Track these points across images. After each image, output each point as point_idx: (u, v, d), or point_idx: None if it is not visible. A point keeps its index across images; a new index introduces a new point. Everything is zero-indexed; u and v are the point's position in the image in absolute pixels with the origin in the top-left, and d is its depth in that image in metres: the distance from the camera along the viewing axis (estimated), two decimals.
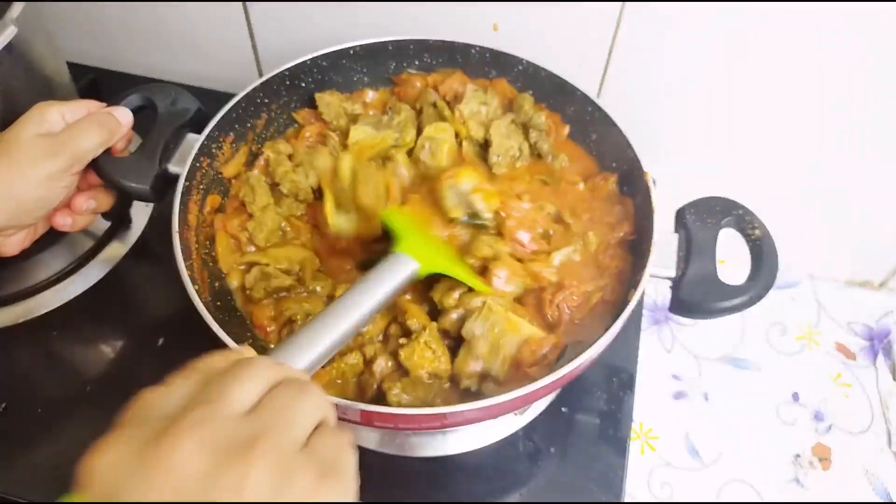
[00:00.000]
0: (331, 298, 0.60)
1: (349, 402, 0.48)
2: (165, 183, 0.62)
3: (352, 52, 0.71)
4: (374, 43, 0.72)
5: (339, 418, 0.51)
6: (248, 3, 0.83)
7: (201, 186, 0.64)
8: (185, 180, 0.60)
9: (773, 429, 0.76)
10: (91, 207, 0.62)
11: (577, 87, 0.68)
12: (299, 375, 0.37)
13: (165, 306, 0.73)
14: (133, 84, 0.65)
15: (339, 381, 0.56)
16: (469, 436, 0.65)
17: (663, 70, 0.74)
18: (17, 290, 0.72)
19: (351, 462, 0.35)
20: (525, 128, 0.70)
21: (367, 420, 0.51)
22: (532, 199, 0.64)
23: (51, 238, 0.65)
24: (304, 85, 0.71)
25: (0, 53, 0.60)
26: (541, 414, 0.67)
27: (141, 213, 0.79)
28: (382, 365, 0.56)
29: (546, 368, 0.56)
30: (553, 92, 0.70)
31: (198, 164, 0.62)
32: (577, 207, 0.64)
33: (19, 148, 0.55)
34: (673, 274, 0.57)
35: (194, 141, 0.62)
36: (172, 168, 0.62)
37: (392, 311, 0.59)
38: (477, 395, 0.55)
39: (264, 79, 0.68)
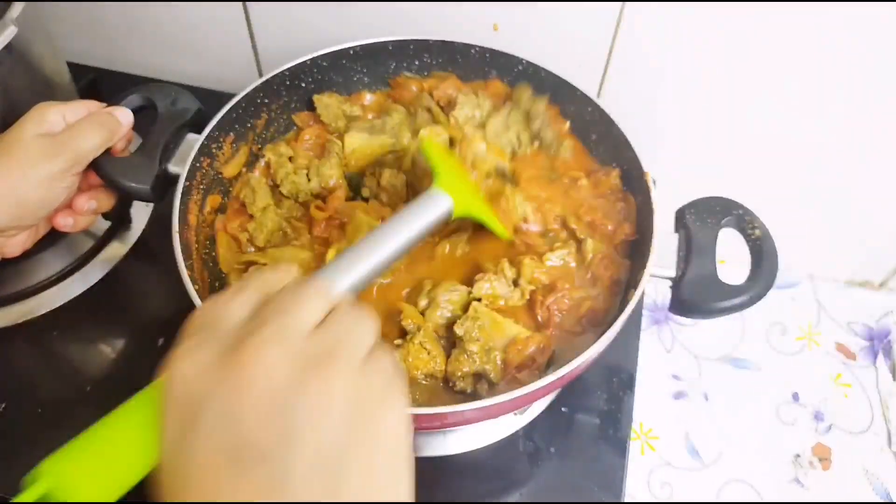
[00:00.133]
0: None
1: None
2: (165, 183, 0.62)
3: (352, 52, 0.71)
4: (374, 43, 0.72)
5: None
6: (248, 3, 0.83)
7: (201, 186, 0.64)
8: (185, 180, 0.60)
9: (773, 429, 0.76)
10: (92, 208, 0.62)
11: (577, 87, 0.68)
12: (350, 301, 0.38)
13: (165, 306, 0.73)
14: (133, 84, 0.65)
15: None
16: (469, 436, 0.65)
17: (663, 70, 0.74)
18: (17, 290, 0.72)
19: (403, 376, 0.36)
20: (527, 117, 0.69)
21: None
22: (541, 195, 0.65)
23: (51, 238, 0.65)
24: (304, 85, 0.72)
25: (0, 53, 0.60)
26: (541, 414, 0.67)
27: (141, 213, 0.79)
28: None
29: (535, 373, 0.56)
30: (553, 92, 0.70)
31: (198, 164, 0.62)
32: (579, 209, 0.64)
33: (20, 148, 0.55)
34: (673, 274, 0.57)
35: (194, 141, 0.62)
36: (172, 168, 0.62)
37: (386, 311, 0.59)
38: (472, 396, 0.55)
39: (264, 79, 0.68)
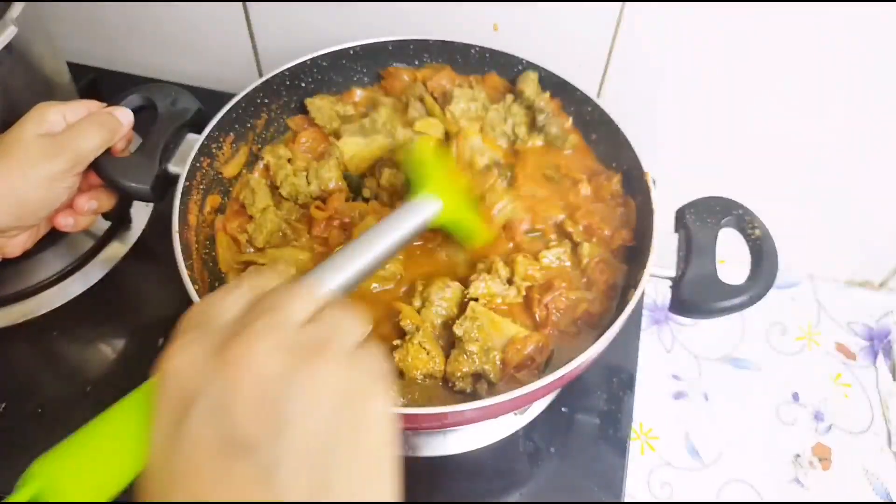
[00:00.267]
0: None
1: None
2: (165, 183, 0.62)
3: (352, 52, 0.71)
4: (374, 43, 0.72)
5: None
6: (248, 3, 0.83)
7: (201, 186, 0.64)
8: (185, 180, 0.60)
9: (773, 429, 0.76)
10: (93, 208, 0.62)
11: (577, 87, 0.68)
12: (338, 299, 0.40)
13: (165, 306, 0.73)
14: (133, 84, 0.65)
15: None
16: (469, 436, 0.65)
17: (663, 70, 0.74)
18: (18, 290, 0.72)
19: (390, 374, 0.37)
20: (531, 111, 0.69)
21: None
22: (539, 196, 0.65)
23: (51, 238, 0.65)
24: (303, 85, 0.72)
25: (0, 53, 0.60)
26: (541, 414, 0.67)
27: (141, 213, 0.79)
28: None
29: (534, 373, 0.56)
30: (553, 92, 0.70)
31: (198, 164, 0.62)
32: (577, 213, 0.64)
33: (21, 149, 0.55)
34: (673, 274, 0.57)
35: (194, 141, 0.62)
36: (172, 168, 0.62)
37: (384, 311, 0.59)
38: (472, 396, 0.55)
39: (264, 79, 0.68)
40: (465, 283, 0.59)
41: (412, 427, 0.54)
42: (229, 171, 0.67)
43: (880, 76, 0.67)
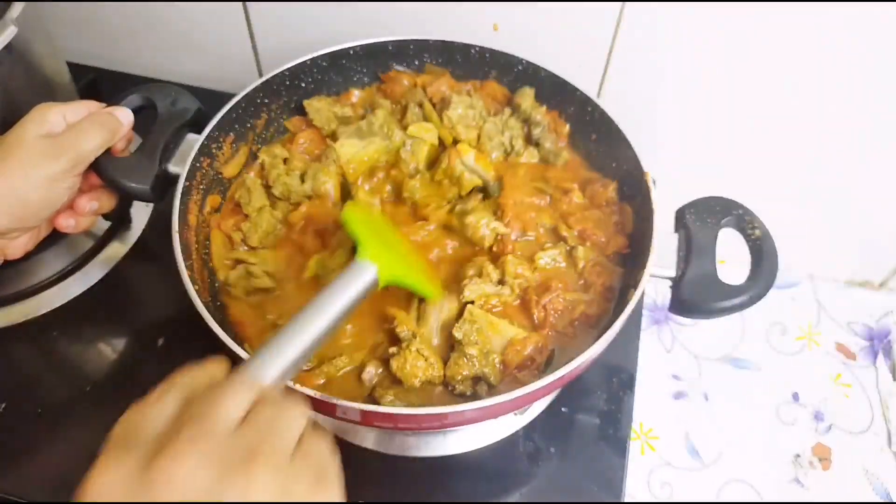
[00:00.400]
0: None
1: (349, 403, 0.48)
2: (165, 183, 0.62)
3: (352, 52, 0.71)
4: (374, 43, 0.72)
5: (339, 418, 0.51)
6: (248, 3, 0.83)
7: (201, 186, 0.64)
8: (185, 180, 0.60)
9: (773, 429, 0.76)
10: (94, 208, 0.62)
11: (577, 87, 0.68)
12: (274, 391, 0.38)
13: (165, 306, 0.73)
14: (133, 84, 0.65)
15: (322, 382, 0.56)
16: (469, 436, 0.65)
17: (663, 70, 0.74)
18: (18, 290, 0.72)
19: (337, 464, 0.36)
20: (527, 124, 0.70)
21: (368, 420, 0.51)
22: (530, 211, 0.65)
23: (51, 238, 0.65)
24: (303, 85, 0.72)
25: (0, 53, 0.60)
26: (541, 414, 0.67)
27: (141, 213, 0.79)
28: (372, 373, 0.56)
29: (535, 373, 0.56)
30: (553, 92, 0.70)
31: (198, 164, 0.62)
32: (571, 218, 0.64)
33: (21, 149, 0.55)
34: (673, 274, 0.57)
35: (194, 141, 0.62)
36: (172, 168, 0.62)
37: (380, 319, 0.59)
38: (472, 398, 0.55)
39: (264, 79, 0.68)
40: (455, 287, 0.59)
41: (412, 427, 0.54)
42: (229, 171, 0.67)
43: (880, 76, 0.67)
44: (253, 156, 0.70)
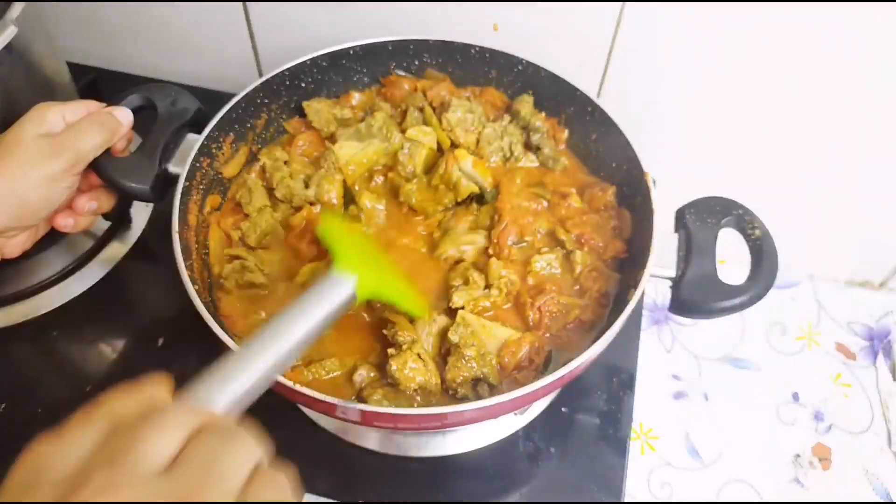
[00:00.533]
0: None
1: (349, 403, 0.48)
2: (165, 183, 0.62)
3: (352, 52, 0.71)
4: (374, 43, 0.72)
5: (338, 418, 0.51)
6: (248, 3, 0.83)
7: (201, 186, 0.64)
8: (185, 180, 0.60)
9: (773, 429, 0.76)
10: (93, 208, 0.62)
11: (577, 87, 0.68)
12: (221, 419, 0.31)
13: (165, 306, 0.73)
14: (133, 84, 0.65)
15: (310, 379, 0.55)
16: (469, 436, 0.65)
17: (663, 70, 0.74)
18: (18, 290, 0.72)
19: (297, 498, 0.30)
20: (526, 131, 0.70)
21: (367, 420, 0.51)
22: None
23: (51, 238, 0.65)
24: (303, 85, 0.72)
25: (0, 53, 0.60)
26: (541, 414, 0.67)
27: (141, 213, 0.79)
28: (363, 375, 0.56)
29: (533, 373, 0.56)
30: (553, 92, 0.70)
31: (198, 164, 0.62)
32: (568, 223, 0.64)
33: (21, 149, 0.55)
34: (673, 274, 0.57)
35: (194, 141, 0.62)
36: (172, 168, 0.62)
37: (375, 325, 0.58)
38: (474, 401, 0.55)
39: (264, 79, 0.68)
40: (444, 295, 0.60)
41: (412, 427, 0.54)
42: (229, 171, 0.67)
43: (880, 76, 0.67)
44: (253, 156, 0.70)
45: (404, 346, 0.55)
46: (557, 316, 0.59)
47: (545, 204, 0.66)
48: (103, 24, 0.91)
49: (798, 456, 0.74)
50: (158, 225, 0.78)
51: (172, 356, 0.67)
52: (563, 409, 0.67)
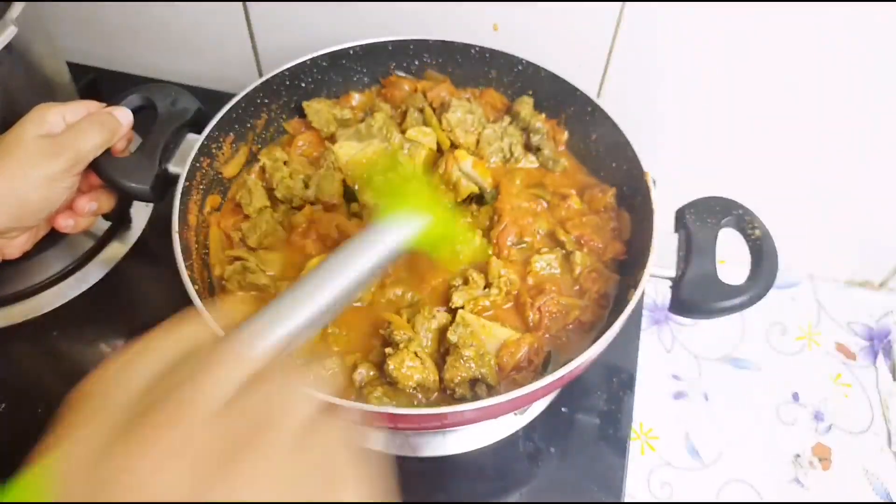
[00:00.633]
0: None
1: (349, 403, 0.48)
2: (165, 183, 0.62)
3: (352, 52, 0.71)
4: (374, 43, 0.72)
5: None
6: (248, 3, 0.83)
7: (201, 186, 0.64)
8: (185, 180, 0.60)
9: (773, 429, 0.76)
10: (93, 209, 0.62)
11: (577, 87, 0.68)
12: (274, 368, 0.30)
13: (165, 306, 0.72)
14: (133, 84, 0.65)
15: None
16: (469, 436, 0.65)
17: (663, 70, 0.74)
18: (18, 290, 0.72)
19: (357, 457, 0.29)
20: (526, 132, 0.70)
21: (367, 420, 0.51)
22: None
23: (51, 238, 0.65)
24: (303, 85, 0.71)
25: (0, 53, 0.60)
26: (541, 414, 0.67)
27: (141, 213, 0.79)
28: (363, 374, 0.56)
29: (532, 374, 0.56)
30: (553, 92, 0.70)
31: (198, 164, 0.62)
32: (568, 223, 0.64)
33: (21, 149, 0.55)
34: (673, 274, 0.57)
35: (194, 141, 0.62)
36: (172, 168, 0.62)
37: (374, 324, 0.58)
38: (472, 400, 0.55)
39: (264, 79, 0.68)
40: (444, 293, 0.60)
41: (412, 427, 0.54)
42: (229, 171, 0.67)
43: (880, 76, 0.67)
44: (253, 156, 0.70)
45: (401, 345, 0.55)
46: (557, 317, 0.59)
47: (545, 205, 0.66)
48: (103, 24, 0.91)
49: (798, 456, 0.74)
50: (158, 225, 0.78)
51: None
52: (563, 409, 0.67)
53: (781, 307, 0.85)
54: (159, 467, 0.24)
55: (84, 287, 0.73)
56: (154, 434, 0.25)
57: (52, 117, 0.57)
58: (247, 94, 0.67)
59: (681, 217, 0.60)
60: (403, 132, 0.69)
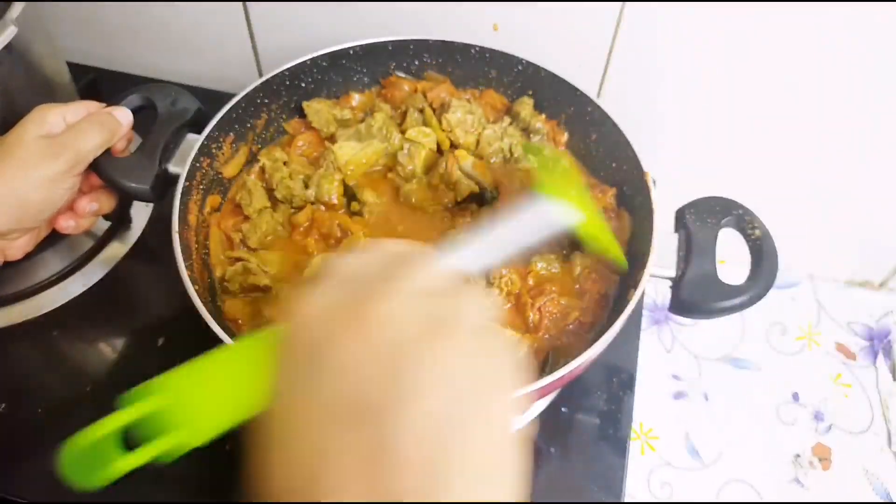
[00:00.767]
0: None
1: None
2: (165, 183, 0.62)
3: (352, 52, 0.71)
4: (374, 43, 0.72)
5: None
6: (248, 3, 0.83)
7: (201, 186, 0.64)
8: (185, 180, 0.60)
9: (773, 429, 0.76)
10: (94, 209, 0.62)
11: (577, 87, 0.68)
12: (465, 280, 0.36)
13: (165, 306, 0.73)
14: (133, 84, 0.65)
15: None
16: None
17: (663, 70, 0.74)
18: (18, 290, 0.72)
19: (516, 361, 0.34)
20: (526, 133, 0.70)
21: None
22: None
23: (51, 238, 0.65)
24: (303, 85, 0.71)
25: (0, 53, 0.60)
26: (541, 414, 0.67)
27: (141, 213, 0.79)
28: None
29: (531, 374, 0.56)
30: (553, 92, 0.70)
31: (198, 164, 0.62)
32: None
33: (21, 150, 0.55)
34: (673, 274, 0.57)
35: (194, 141, 0.62)
36: (172, 168, 0.62)
37: None
38: None
39: (264, 79, 0.68)
40: None
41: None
42: (229, 171, 0.67)
43: (880, 76, 0.67)
44: (253, 156, 0.70)
45: None
46: (557, 317, 0.59)
47: None
48: (103, 24, 0.91)
49: (798, 456, 0.75)
50: (158, 225, 0.78)
51: (173, 356, 0.66)
52: (563, 409, 0.67)
53: (781, 307, 0.85)
54: (405, 320, 0.29)
55: (84, 287, 0.73)
56: (394, 296, 0.30)
57: (52, 118, 0.57)
58: (247, 94, 0.67)
59: (681, 217, 0.60)
60: (403, 132, 0.69)
